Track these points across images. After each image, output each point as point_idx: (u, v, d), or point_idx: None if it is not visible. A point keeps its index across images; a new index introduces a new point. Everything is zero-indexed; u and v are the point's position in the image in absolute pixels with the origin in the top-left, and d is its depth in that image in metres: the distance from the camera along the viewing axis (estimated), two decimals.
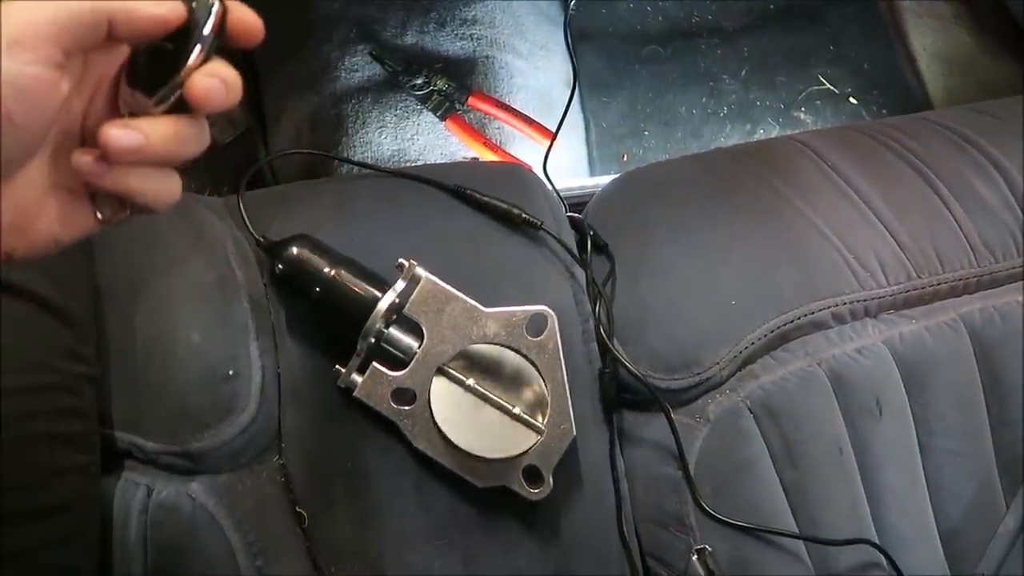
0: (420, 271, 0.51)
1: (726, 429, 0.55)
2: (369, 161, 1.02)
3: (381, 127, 1.05)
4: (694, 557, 0.52)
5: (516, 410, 0.51)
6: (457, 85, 1.08)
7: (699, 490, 0.54)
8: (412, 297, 0.50)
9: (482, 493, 0.53)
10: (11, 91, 0.26)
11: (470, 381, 0.51)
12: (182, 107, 0.31)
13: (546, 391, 0.51)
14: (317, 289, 0.50)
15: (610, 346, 0.57)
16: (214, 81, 0.30)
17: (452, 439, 0.50)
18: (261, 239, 0.54)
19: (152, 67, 0.31)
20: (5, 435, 0.41)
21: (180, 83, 0.31)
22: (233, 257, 0.55)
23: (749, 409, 0.55)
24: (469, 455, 0.50)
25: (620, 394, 0.58)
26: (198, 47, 0.31)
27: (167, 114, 0.31)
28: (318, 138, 1.04)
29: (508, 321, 0.50)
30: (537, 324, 0.51)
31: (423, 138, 1.06)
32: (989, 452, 0.60)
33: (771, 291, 0.59)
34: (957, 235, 0.64)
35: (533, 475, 0.51)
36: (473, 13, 1.12)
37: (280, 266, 0.51)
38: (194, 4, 0.31)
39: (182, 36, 0.31)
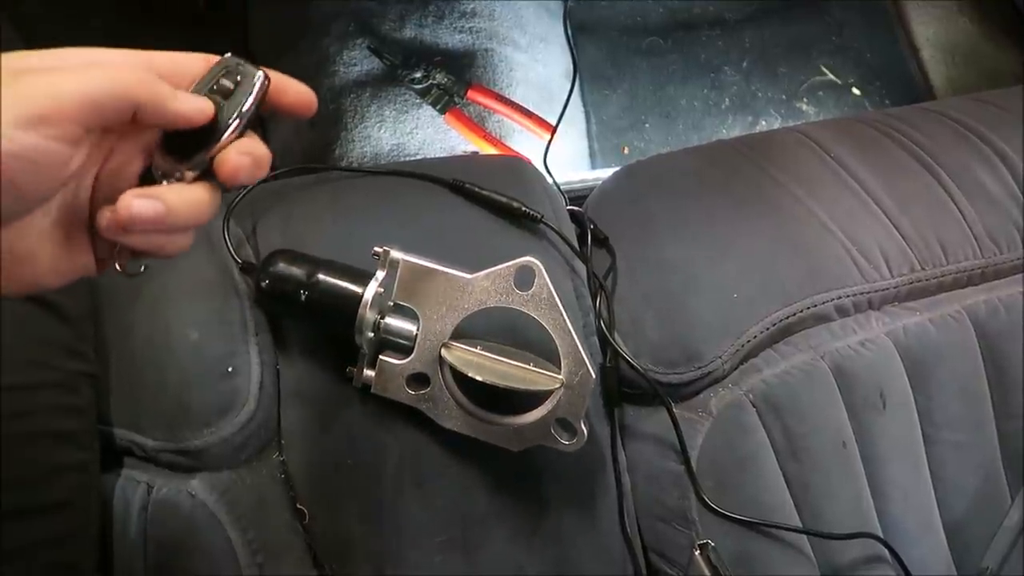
0: (396, 254, 0.49)
1: (728, 423, 0.55)
2: (368, 155, 1.02)
3: (380, 121, 1.04)
4: (696, 552, 0.52)
5: (530, 367, 0.50)
6: (456, 79, 1.07)
7: (701, 484, 0.54)
8: (396, 282, 0.50)
9: (483, 489, 0.53)
10: (22, 163, 0.26)
11: (478, 349, 0.50)
12: (212, 172, 0.32)
13: (553, 342, 0.49)
14: (305, 295, 0.50)
15: (611, 340, 0.56)
16: (245, 159, 0.31)
17: (477, 415, 0.49)
18: (242, 263, 0.54)
19: (189, 132, 0.31)
20: (4, 432, 0.41)
21: (216, 153, 0.31)
22: (231, 254, 0.55)
23: (751, 403, 0.55)
24: (500, 423, 0.50)
25: (621, 388, 0.58)
26: (236, 121, 0.31)
27: (197, 180, 0.31)
28: (316, 133, 1.03)
29: (495, 280, 0.48)
30: (525, 277, 0.49)
31: (422, 132, 1.05)
32: (994, 444, 0.60)
33: (773, 284, 0.58)
34: (961, 226, 0.63)
35: (565, 428, 0.50)
36: (472, 6, 1.12)
37: (265, 282, 0.51)
38: (239, 78, 0.31)
39: (227, 99, 0.31)
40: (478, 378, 0.48)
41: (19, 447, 0.42)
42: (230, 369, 0.50)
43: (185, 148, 0.31)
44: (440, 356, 0.50)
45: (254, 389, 0.51)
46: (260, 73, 0.32)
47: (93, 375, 0.48)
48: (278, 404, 0.53)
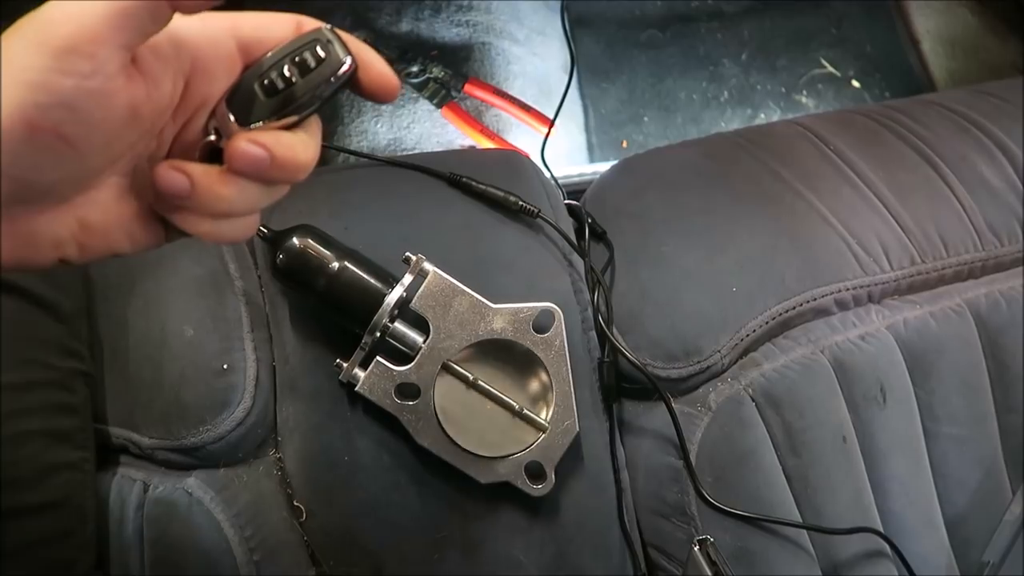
0: (428, 265, 0.50)
1: (728, 418, 0.55)
2: (365, 150, 1.01)
3: (377, 115, 1.04)
4: (696, 547, 0.52)
5: (519, 407, 0.50)
6: (453, 72, 1.07)
7: (700, 480, 0.54)
8: (419, 292, 0.50)
9: (481, 486, 0.52)
10: (63, 113, 0.23)
11: (474, 377, 0.50)
12: None
13: (551, 387, 0.51)
14: (322, 282, 0.49)
15: (609, 335, 0.56)
16: (258, 151, 0.27)
17: (455, 439, 0.50)
18: (264, 229, 0.52)
19: (255, 98, 0.29)
20: None
21: (274, 129, 0.28)
22: (226, 250, 0.54)
23: (751, 397, 0.55)
24: (474, 454, 0.50)
25: (620, 383, 0.57)
26: (298, 111, 0.28)
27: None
28: None
29: (515, 317, 0.50)
30: (543, 320, 0.50)
31: (419, 126, 1.05)
32: (995, 438, 0.60)
33: (772, 277, 0.58)
34: (962, 219, 0.63)
35: (535, 471, 0.51)
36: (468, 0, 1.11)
37: (280, 256, 0.50)
38: (324, 56, 0.28)
39: (303, 77, 0.28)
40: (453, 438, 0.50)
41: (14, 446, 0.42)
42: (225, 366, 0.50)
43: (247, 111, 0.28)
44: (436, 374, 0.50)
45: (250, 386, 0.50)
46: (348, 60, 0.28)
47: (88, 373, 0.48)
48: (274, 401, 0.53)
